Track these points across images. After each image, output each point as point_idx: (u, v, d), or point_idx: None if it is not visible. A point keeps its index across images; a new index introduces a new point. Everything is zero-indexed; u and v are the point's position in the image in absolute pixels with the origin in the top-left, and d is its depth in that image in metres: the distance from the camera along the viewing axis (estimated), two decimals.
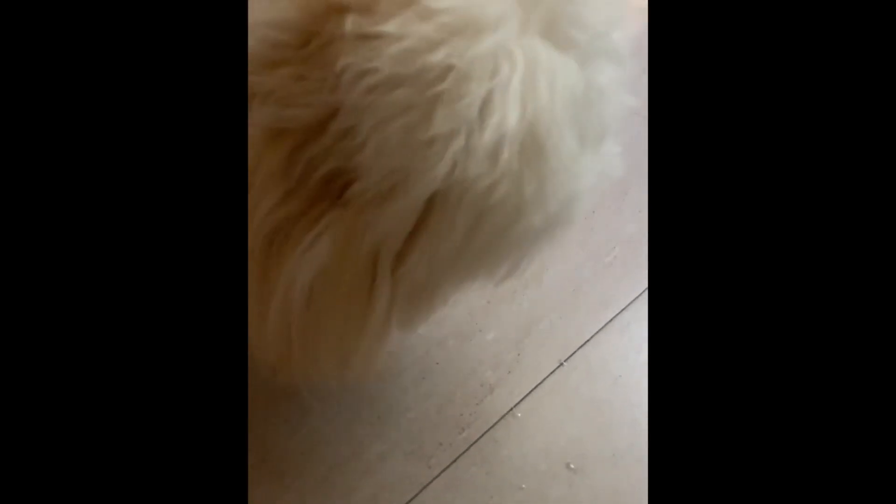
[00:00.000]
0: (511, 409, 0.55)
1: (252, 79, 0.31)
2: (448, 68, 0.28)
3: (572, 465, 0.51)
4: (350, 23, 0.28)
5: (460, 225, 0.32)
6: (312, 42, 0.30)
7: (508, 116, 0.30)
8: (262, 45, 0.31)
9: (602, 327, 0.63)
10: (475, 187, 0.30)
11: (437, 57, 0.28)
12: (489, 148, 0.30)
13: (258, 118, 0.32)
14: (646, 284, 0.68)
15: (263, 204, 0.32)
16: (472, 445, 0.52)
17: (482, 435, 0.53)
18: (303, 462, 0.50)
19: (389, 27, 0.28)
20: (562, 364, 0.59)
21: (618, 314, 0.64)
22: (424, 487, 0.49)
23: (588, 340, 0.61)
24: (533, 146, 0.31)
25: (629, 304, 0.65)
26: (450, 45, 0.28)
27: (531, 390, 0.56)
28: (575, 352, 0.60)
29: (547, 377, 0.58)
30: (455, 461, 0.51)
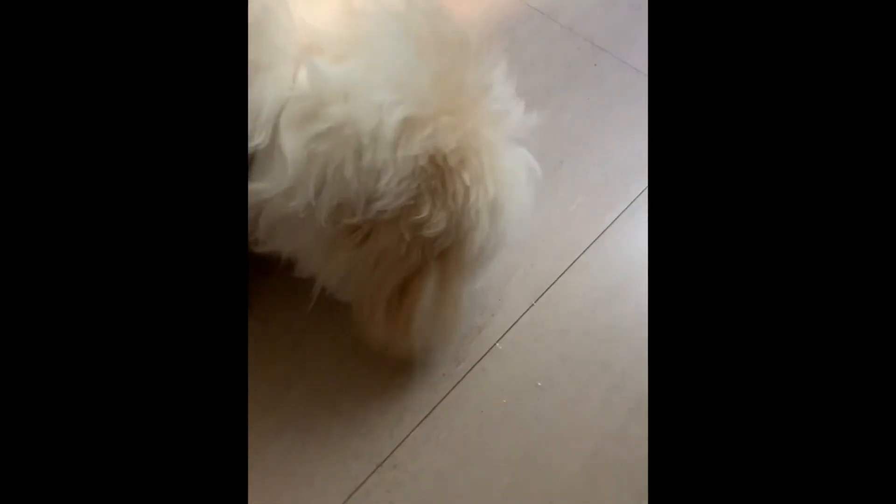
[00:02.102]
0: (494, 344, 0.72)
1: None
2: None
3: (540, 384, 0.70)
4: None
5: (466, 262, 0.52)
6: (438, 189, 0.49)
7: (481, 196, 0.47)
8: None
9: (566, 269, 0.79)
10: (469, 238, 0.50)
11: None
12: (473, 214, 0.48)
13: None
14: (601, 229, 0.82)
15: (393, 274, 0.52)
16: (467, 374, 0.70)
17: (473, 365, 0.70)
18: (343, 392, 0.68)
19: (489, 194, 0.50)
20: (532, 304, 0.75)
21: (578, 257, 0.80)
22: (435, 407, 0.68)
23: (554, 283, 0.78)
24: (495, 210, 0.48)
25: (587, 248, 0.80)
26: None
27: (510, 328, 0.73)
28: (543, 293, 0.77)
29: (521, 316, 0.74)
30: (455, 386, 0.69)
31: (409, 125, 0.46)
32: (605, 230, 0.82)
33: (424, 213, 0.48)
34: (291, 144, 0.45)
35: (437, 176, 0.48)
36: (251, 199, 0.47)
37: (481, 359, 0.71)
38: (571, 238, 0.81)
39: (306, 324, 0.70)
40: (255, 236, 0.52)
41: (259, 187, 0.46)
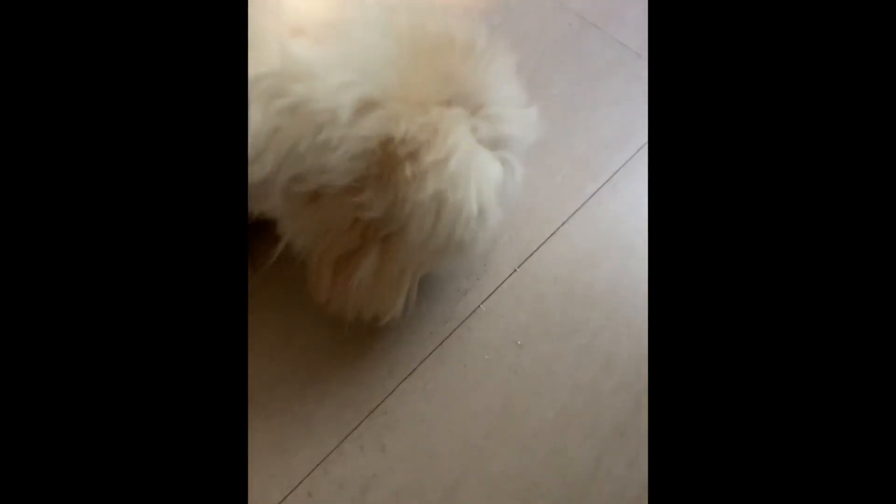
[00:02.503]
0: (479, 306, 0.78)
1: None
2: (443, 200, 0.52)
3: (519, 342, 0.76)
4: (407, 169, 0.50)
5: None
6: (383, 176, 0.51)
7: (473, 207, 0.52)
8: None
9: (548, 237, 0.85)
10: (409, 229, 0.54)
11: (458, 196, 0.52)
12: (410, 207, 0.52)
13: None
14: (583, 200, 0.88)
15: (338, 244, 0.56)
16: (452, 332, 0.76)
17: (459, 324, 0.77)
18: (341, 346, 0.75)
19: (428, 191, 0.50)
20: (516, 270, 0.81)
21: (560, 227, 0.85)
22: (422, 361, 0.74)
23: (536, 250, 0.83)
24: (480, 217, 0.53)
25: (569, 217, 0.86)
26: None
27: (493, 291, 0.79)
28: (526, 259, 0.83)
29: (505, 280, 0.80)
30: (441, 343, 0.76)
31: (363, 106, 0.49)
32: (586, 201, 0.87)
33: (365, 196, 0.52)
34: (256, 117, 0.48)
35: (385, 163, 0.51)
36: None
37: (466, 319, 0.77)
38: (555, 207, 0.86)
39: (303, 283, 0.76)
40: None
41: None
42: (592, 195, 0.87)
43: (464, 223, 0.52)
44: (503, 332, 0.77)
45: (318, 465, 0.68)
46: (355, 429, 0.70)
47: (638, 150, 0.91)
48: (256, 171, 0.51)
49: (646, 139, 0.92)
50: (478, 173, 0.52)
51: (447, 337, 0.76)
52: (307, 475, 0.67)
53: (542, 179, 0.88)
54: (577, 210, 0.86)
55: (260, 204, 0.59)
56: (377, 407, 0.71)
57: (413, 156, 0.50)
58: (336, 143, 0.49)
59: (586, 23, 1.04)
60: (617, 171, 0.90)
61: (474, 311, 0.78)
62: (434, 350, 0.75)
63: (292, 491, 0.66)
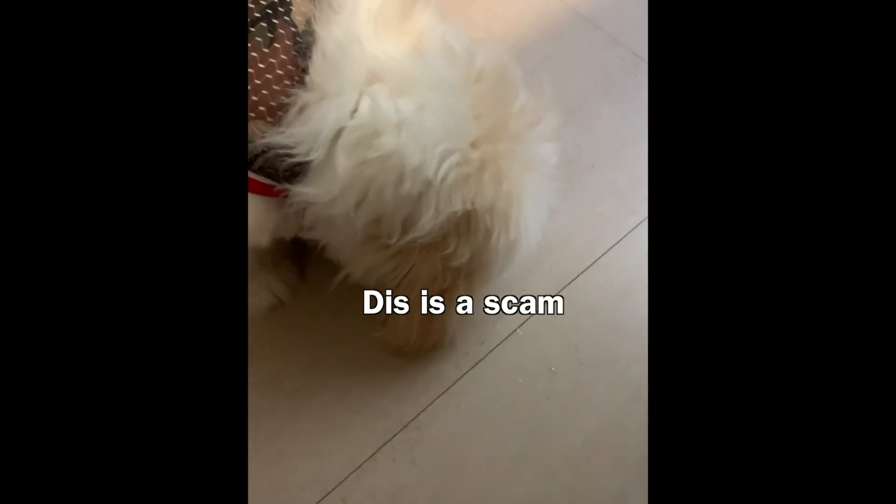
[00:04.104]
0: (515, 330, 0.81)
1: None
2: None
3: (553, 368, 0.79)
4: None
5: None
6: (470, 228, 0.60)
7: (503, 238, 0.58)
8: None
9: (587, 267, 0.87)
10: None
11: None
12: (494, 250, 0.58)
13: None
14: (624, 233, 0.89)
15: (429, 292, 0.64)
16: (488, 354, 0.79)
17: (495, 347, 0.79)
18: (378, 360, 0.78)
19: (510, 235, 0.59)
20: (554, 298, 0.84)
21: (599, 258, 0.87)
22: (457, 380, 0.77)
23: (575, 278, 0.85)
24: (514, 246, 0.60)
25: (608, 250, 0.88)
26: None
27: (530, 316, 0.82)
28: (564, 287, 0.85)
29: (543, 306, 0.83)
30: (477, 364, 0.78)
31: (457, 180, 0.55)
32: (626, 234, 0.89)
33: (452, 248, 0.58)
34: (343, 163, 0.53)
35: (465, 216, 0.57)
36: (299, 199, 0.57)
37: (502, 342, 0.80)
38: (595, 238, 0.88)
39: (351, 293, 0.79)
40: (302, 224, 0.63)
41: (308, 192, 0.56)
42: (633, 229, 0.89)
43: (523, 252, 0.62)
44: (538, 357, 0.79)
45: (352, 472, 0.71)
46: (389, 440, 0.73)
47: None
48: (336, 209, 0.56)
49: None
50: (540, 215, 0.62)
51: (482, 358, 0.79)
52: (341, 481, 0.70)
53: (584, 210, 0.91)
54: (616, 242, 0.88)
55: (329, 234, 0.63)
56: (411, 421, 0.74)
57: (492, 210, 0.56)
58: (419, 193, 0.54)
59: (638, 58, 1.06)
60: None
61: (511, 334, 0.80)
62: (469, 370, 0.78)
63: (327, 495, 0.69)
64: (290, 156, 0.54)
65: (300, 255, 0.83)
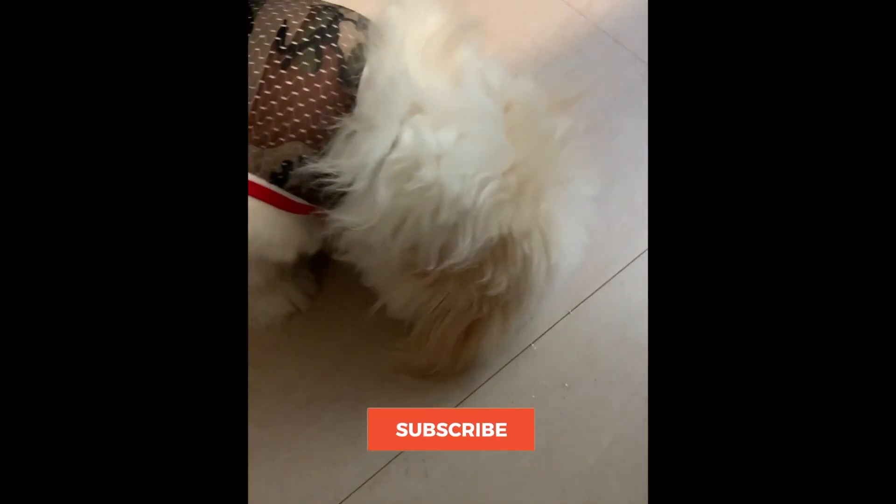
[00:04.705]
0: (530, 345, 0.81)
1: None
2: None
3: (566, 384, 0.79)
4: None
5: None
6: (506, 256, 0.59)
7: (542, 264, 0.58)
8: None
9: (603, 284, 0.87)
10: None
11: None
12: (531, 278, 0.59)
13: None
14: (641, 250, 0.89)
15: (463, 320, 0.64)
16: (502, 368, 0.79)
17: (509, 362, 0.79)
18: (392, 374, 0.78)
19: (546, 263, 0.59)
20: (569, 313, 0.84)
21: (615, 274, 0.87)
22: (471, 393, 0.77)
23: (590, 295, 0.85)
24: (552, 272, 0.60)
25: (625, 267, 0.88)
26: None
27: (545, 332, 0.82)
28: (580, 303, 0.85)
29: (557, 322, 0.83)
30: (490, 377, 0.78)
31: (494, 206, 0.55)
32: (643, 252, 0.89)
33: (488, 277, 0.57)
34: (383, 194, 0.54)
35: (500, 242, 0.56)
36: (336, 225, 0.57)
37: (516, 356, 0.80)
38: (612, 255, 0.88)
39: (368, 301, 0.80)
40: (336, 247, 0.63)
41: (346, 219, 0.56)
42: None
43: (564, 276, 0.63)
44: (551, 372, 0.79)
45: (364, 482, 0.71)
46: (402, 452, 0.73)
47: None
48: (374, 237, 0.56)
49: None
50: (580, 235, 0.63)
51: (496, 372, 0.79)
52: (354, 490, 0.71)
53: (601, 225, 0.90)
54: (632, 260, 0.88)
55: (364, 260, 0.64)
56: None
57: (527, 235, 0.56)
58: (457, 223, 0.54)
59: None
60: None
61: (525, 349, 0.81)
62: (483, 384, 0.78)
63: None
64: (331, 182, 0.54)
65: (318, 264, 0.84)
